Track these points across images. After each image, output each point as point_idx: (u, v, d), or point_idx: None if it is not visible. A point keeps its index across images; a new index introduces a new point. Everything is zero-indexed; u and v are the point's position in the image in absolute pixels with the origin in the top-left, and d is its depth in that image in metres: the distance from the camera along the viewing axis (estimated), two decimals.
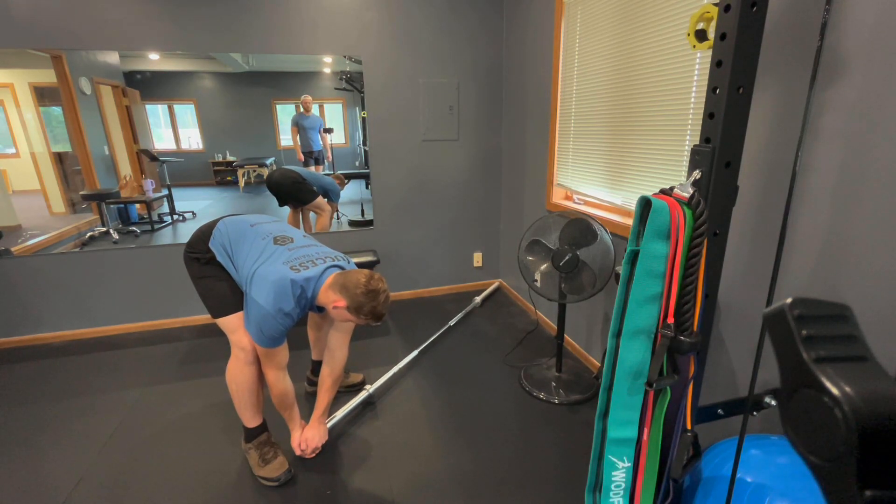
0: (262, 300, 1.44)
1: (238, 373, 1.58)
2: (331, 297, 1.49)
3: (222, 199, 2.87)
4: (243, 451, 1.72)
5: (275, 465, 1.62)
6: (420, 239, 3.25)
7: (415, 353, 2.46)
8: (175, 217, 2.83)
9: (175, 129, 2.70)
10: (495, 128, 3.20)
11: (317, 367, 2.12)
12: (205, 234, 1.66)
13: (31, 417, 1.99)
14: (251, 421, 1.66)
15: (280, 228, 1.68)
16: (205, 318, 2.93)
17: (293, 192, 2.95)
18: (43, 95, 2.41)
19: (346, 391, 2.14)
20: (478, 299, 3.17)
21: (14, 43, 2.30)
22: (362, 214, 3.09)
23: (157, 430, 1.89)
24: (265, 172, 2.90)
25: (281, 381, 1.60)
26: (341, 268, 1.60)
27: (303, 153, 2.92)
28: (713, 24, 1.01)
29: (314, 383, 2.11)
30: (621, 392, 0.98)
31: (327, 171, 2.99)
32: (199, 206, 2.86)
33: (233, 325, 1.57)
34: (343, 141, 2.97)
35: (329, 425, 1.82)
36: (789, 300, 0.32)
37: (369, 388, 2.10)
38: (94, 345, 2.66)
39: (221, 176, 2.83)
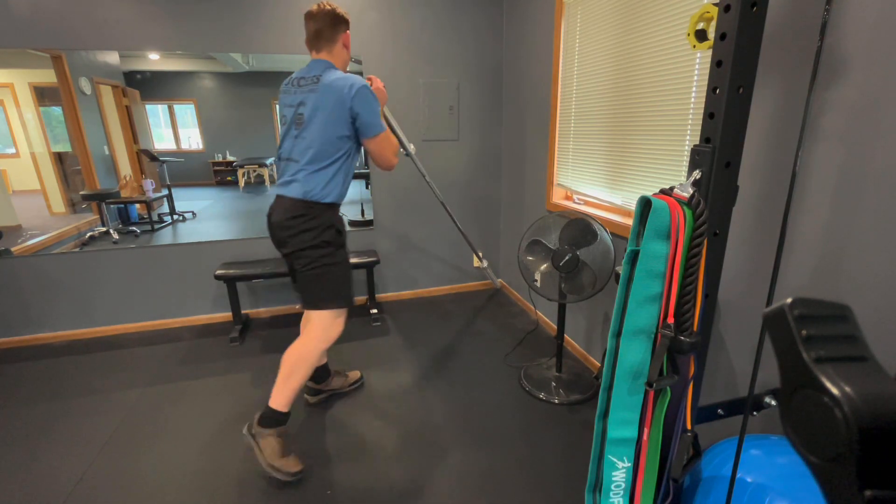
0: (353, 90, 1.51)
1: (315, 352, 1.63)
2: (340, 48, 1.61)
3: (222, 199, 2.87)
4: (251, 436, 1.60)
5: (294, 460, 1.62)
6: (420, 239, 3.25)
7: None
8: (175, 217, 2.83)
9: (175, 129, 2.70)
10: (495, 128, 3.20)
11: (315, 373, 2.02)
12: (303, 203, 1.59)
13: (31, 417, 1.99)
14: (286, 405, 1.62)
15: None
16: (205, 317, 2.93)
17: None
18: (43, 95, 2.41)
19: (349, 389, 2.14)
20: (499, 281, 3.40)
21: (14, 43, 2.30)
22: (362, 214, 3.09)
23: (157, 430, 1.89)
24: (265, 172, 2.90)
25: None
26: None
27: None
28: (713, 24, 1.01)
29: (315, 392, 2.05)
30: (621, 392, 0.98)
31: None
32: (199, 206, 2.86)
33: (336, 312, 1.65)
34: None
35: None
36: (789, 300, 0.32)
37: None
38: (94, 345, 2.66)
39: (221, 176, 2.83)
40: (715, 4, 0.90)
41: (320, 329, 1.65)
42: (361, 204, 3.07)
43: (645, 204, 0.92)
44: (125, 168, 2.64)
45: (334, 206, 1.65)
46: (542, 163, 2.67)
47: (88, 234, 2.66)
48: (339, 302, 1.66)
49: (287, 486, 1.59)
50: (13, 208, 2.53)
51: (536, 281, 2.00)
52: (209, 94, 2.67)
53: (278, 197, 1.62)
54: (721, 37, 0.88)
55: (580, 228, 1.82)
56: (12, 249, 2.54)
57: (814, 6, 1.13)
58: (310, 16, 1.57)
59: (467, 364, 2.40)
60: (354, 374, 2.19)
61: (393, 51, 2.84)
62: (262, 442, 1.60)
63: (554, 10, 2.36)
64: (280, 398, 1.61)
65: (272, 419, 1.61)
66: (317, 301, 1.64)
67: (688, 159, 1.08)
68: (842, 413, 0.27)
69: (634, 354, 0.95)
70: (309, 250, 1.59)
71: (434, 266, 3.35)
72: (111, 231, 2.70)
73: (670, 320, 0.93)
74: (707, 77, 0.92)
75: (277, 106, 1.70)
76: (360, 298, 3.18)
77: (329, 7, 1.57)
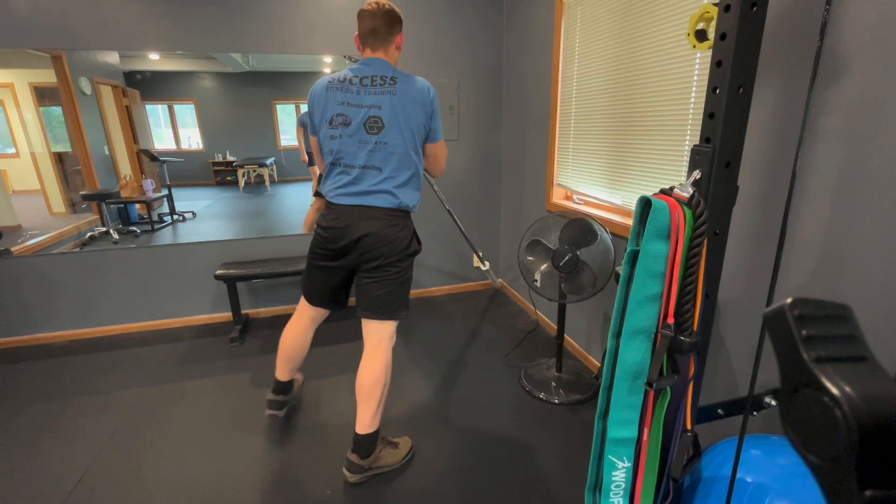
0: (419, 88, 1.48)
1: (390, 362, 1.61)
2: (394, 50, 1.55)
3: (222, 199, 2.87)
4: (365, 473, 1.60)
5: (400, 440, 1.71)
6: (420, 239, 3.25)
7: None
8: (175, 217, 2.83)
9: (175, 129, 2.70)
10: (495, 128, 3.20)
11: (281, 387, 1.85)
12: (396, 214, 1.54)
13: (31, 417, 1.99)
14: (377, 423, 1.59)
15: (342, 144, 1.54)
16: (205, 317, 2.93)
17: None
18: (43, 95, 2.41)
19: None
20: (499, 281, 3.36)
21: (14, 43, 2.30)
22: None
23: (157, 430, 1.89)
24: (265, 172, 2.90)
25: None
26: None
27: (307, 153, 2.92)
28: (713, 24, 1.01)
29: (279, 405, 1.85)
30: (621, 392, 0.98)
31: None
32: (199, 206, 2.86)
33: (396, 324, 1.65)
34: None
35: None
36: (789, 300, 0.32)
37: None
38: (94, 345, 2.66)
39: (221, 176, 2.83)
40: (715, 4, 0.90)
41: (388, 339, 1.61)
42: None
43: (645, 204, 0.92)
44: (125, 168, 2.64)
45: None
46: (542, 163, 2.67)
47: (88, 234, 2.66)
48: (408, 309, 1.66)
49: (286, 487, 1.59)
50: (13, 208, 2.54)
51: (536, 281, 2.00)
52: (209, 94, 2.67)
53: (354, 207, 1.51)
54: (721, 37, 0.87)
55: (580, 228, 1.82)
56: (12, 249, 2.54)
57: (814, 6, 1.13)
58: (367, 13, 1.47)
59: (467, 364, 2.39)
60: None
61: None
62: (383, 461, 1.63)
63: (554, 10, 2.36)
64: (369, 422, 1.57)
65: (371, 443, 1.59)
66: (398, 310, 1.60)
67: (688, 159, 1.08)
68: (842, 413, 0.27)
69: (634, 354, 0.95)
70: (401, 260, 1.56)
71: (434, 266, 3.35)
72: (111, 231, 2.70)
73: (670, 320, 0.93)
74: (707, 77, 0.92)
75: (318, 105, 1.49)
76: None
77: (387, 6, 1.48)
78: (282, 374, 1.82)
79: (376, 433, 1.60)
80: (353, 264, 1.58)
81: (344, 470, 1.59)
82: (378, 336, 1.60)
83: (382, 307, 1.57)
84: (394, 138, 1.46)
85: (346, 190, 1.51)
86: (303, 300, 1.75)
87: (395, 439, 1.72)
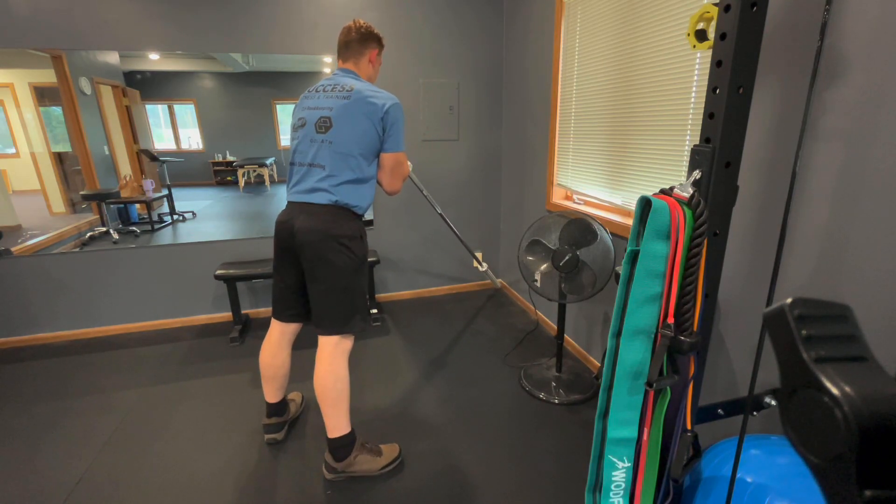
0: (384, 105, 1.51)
1: (344, 368, 1.58)
2: (366, 63, 1.66)
3: (222, 199, 2.87)
4: (340, 475, 1.61)
5: (387, 447, 1.69)
6: (420, 239, 3.25)
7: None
8: (175, 217, 2.83)
9: (175, 129, 2.70)
10: (495, 128, 3.20)
11: (274, 409, 1.80)
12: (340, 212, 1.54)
13: (31, 417, 1.99)
14: (347, 425, 1.59)
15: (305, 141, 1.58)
16: (205, 317, 2.92)
17: None
18: (43, 95, 2.41)
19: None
20: (499, 281, 3.34)
21: (14, 43, 2.30)
22: None
23: (157, 430, 1.89)
24: (265, 172, 2.90)
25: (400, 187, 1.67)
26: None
27: None
28: (713, 24, 1.01)
29: (276, 428, 1.80)
30: (621, 392, 0.98)
31: None
32: (199, 206, 2.86)
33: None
34: None
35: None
36: (789, 300, 0.32)
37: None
38: (94, 345, 2.66)
39: (221, 176, 2.83)
40: (715, 4, 0.90)
41: (332, 347, 1.57)
42: None
43: (645, 204, 0.92)
44: (125, 168, 2.64)
45: (361, 217, 1.61)
46: (542, 163, 2.67)
47: (88, 234, 2.66)
48: (359, 323, 1.60)
49: (286, 488, 1.59)
50: (13, 208, 2.53)
51: (536, 281, 2.00)
52: (209, 94, 2.67)
53: (298, 204, 1.54)
54: (721, 37, 0.87)
55: (580, 228, 1.82)
56: (12, 249, 2.54)
57: (814, 6, 1.13)
58: (345, 28, 1.62)
59: (467, 364, 2.39)
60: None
61: (393, 51, 2.83)
62: (358, 467, 1.62)
63: (554, 10, 2.36)
64: (337, 426, 1.57)
65: (345, 446, 1.59)
66: (344, 323, 1.56)
67: (688, 159, 1.08)
68: (842, 413, 0.27)
69: (634, 354, 0.95)
70: (347, 260, 1.53)
71: (434, 266, 3.35)
72: (111, 231, 2.70)
73: (670, 320, 0.93)
74: (707, 77, 0.92)
75: (294, 111, 1.66)
76: None
77: (364, 25, 1.62)
78: (270, 395, 1.78)
79: (347, 437, 1.59)
80: (299, 264, 1.58)
81: (322, 467, 1.64)
82: (322, 345, 1.58)
83: (326, 319, 1.56)
84: (339, 138, 1.51)
85: (296, 188, 1.57)
86: (272, 318, 1.74)
87: (380, 446, 1.70)
